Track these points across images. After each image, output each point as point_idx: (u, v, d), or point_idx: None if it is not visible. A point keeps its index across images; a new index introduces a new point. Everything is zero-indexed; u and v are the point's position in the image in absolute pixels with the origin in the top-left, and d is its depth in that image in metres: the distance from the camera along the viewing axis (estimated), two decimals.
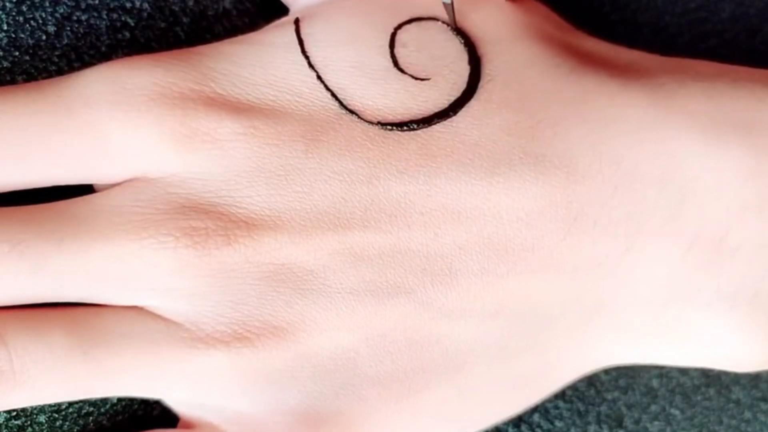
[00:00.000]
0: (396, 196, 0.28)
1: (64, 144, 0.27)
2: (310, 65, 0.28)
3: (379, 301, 0.28)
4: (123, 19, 0.30)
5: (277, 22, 0.30)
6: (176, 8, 0.31)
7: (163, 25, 0.31)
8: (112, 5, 0.30)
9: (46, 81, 0.28)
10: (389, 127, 0.28)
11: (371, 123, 0.28)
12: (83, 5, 0.30)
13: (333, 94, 0.28)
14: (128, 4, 0.30)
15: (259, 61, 0.28)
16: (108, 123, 0.27)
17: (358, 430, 0.29)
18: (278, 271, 0.27)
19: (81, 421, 0.30)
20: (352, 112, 0.28)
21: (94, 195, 0.28)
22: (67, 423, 0.30)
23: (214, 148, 0.27)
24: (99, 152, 0.27)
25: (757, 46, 0.35)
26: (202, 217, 0.27)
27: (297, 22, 0.29)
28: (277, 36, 0.29)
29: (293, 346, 0.28)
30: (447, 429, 0.30)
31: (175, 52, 0.29)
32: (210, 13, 0.31)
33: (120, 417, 0.31)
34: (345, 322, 0.28)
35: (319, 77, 0.28)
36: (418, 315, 0.28)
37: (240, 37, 0.29)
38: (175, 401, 0.30)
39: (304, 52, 0.28)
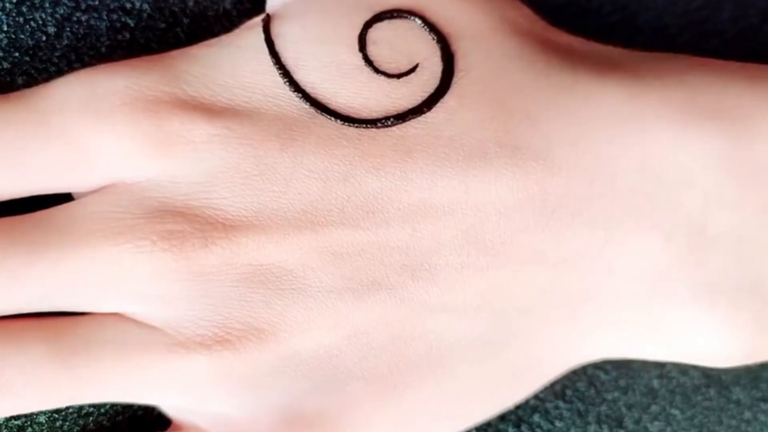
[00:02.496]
0: (372, 192, 0.27)
1: (38, 153, 0.27)
2: (279, 66, 0.28)
3: (360, 298, 0.28)
4: (123, 19, 0.30)
5: (249, 22, 0.30)
6: (176, 9, 0.31)
7: (163, 25, 0.31)
8: (112, 6, 0.30)
9: (21, 91, 0.28)
10: (363, 124, 0.28)
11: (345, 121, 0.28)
12: (83, 6, 0.30)
13: (305, 94, 0.28)
14: (128, 5, 0.30)
15: (230, 63, 0.28)
16: (81, 129, 0.27)
17: (344, 427, 0.29)
18: (257, 272, 0.27)
19: (81, 422, 0.30)
20: (323, 110, 0.28)
21: (71, 203, 0.28)
22: (67, 423, 0.30)
23: (189, 151, 0.27)
24: (73, 159, 0.27)
25: (757, 46, 0.35)
26: (179, 220, 0.27)
27: (266, 22, 0.29)
28: (248, 37, 0.29)
29: (275, 347, 0.28)
30: (435, 424, 0.30)
31: (148, 57, 0.28)
32: (210, 13, 0.31)
33: (120, 417, 0.31)
34: (326, 320, 0.28)
35: (286, 78, 0.28)
36: (399, 311, 0.28)
37: (213, 40, 0.29)
38: (163, 404, 0.30)
39: (273, 52, 0.28)
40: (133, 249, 0.27)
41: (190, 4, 0.31)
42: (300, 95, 0.28)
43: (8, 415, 0.28)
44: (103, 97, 0.27)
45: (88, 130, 0.27)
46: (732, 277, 0.29)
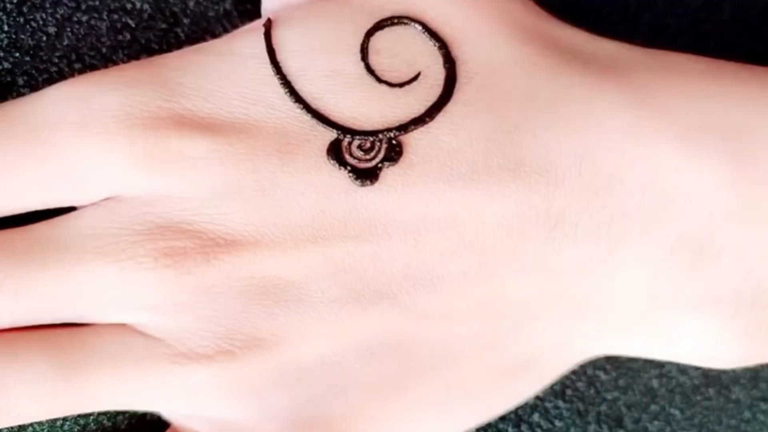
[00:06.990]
0: (374, 205, 0.27)
1: (34, 170, 0.27)
2: (281, 76, 0.28)
3: (363, 307, 0.28)
4: (123, 20, 0.30)
5: (247, 27, 0.29)
6: (177, 9, 0.31)
7: (163, 26, 0.31)
8: (112, 6, 0.30)
9: (13, 103, 0.28)
10: (365, 135, 0.27)
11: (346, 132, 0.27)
12: (84, 6, 0.30)
13: (305, 105, 0.27)
14: (129, 5, 0.30)
15: (230, 73, 0.28)
16: (77, 147, 0.27)
17: None
18: (259, 285, 0.27)
19: (81, 421, 0.30)
20: (324, 122, 0.27)
21: (68, 216, 0.28)
22: (68, 422, 0.30)
23: (188, 167, 0.27)
24: (70, 176, 0.27)
25: (757, 47, 0.34)
26: (180, 237, 0.27)
27: (268, 30, 0.28)
28: (247, 46, 0.28)
29: (277, 357, 0.27)
30: (438, 426, 0.30)
31: (141, 65, 0.28)
32: (210, 14, 0.31)
33: (120, 416, 0.31)
34: (329, 329, 0.28)
35: (287, 88, 0.27)
36: (402, 319, 0.28)
37: (208, 45, 0.29)
38: (165, 411, 0.29)
39: (275, 61, 0.28)
40: (134, 266, 0.27)
41: (191, 4, 0.31)
42: (301, 106, 0.27)
43: (8, 425, 0.28)
44: (99, 113, 0.27)
45: (85, 149, 0.27)
46: (733, 286, 0.28)
